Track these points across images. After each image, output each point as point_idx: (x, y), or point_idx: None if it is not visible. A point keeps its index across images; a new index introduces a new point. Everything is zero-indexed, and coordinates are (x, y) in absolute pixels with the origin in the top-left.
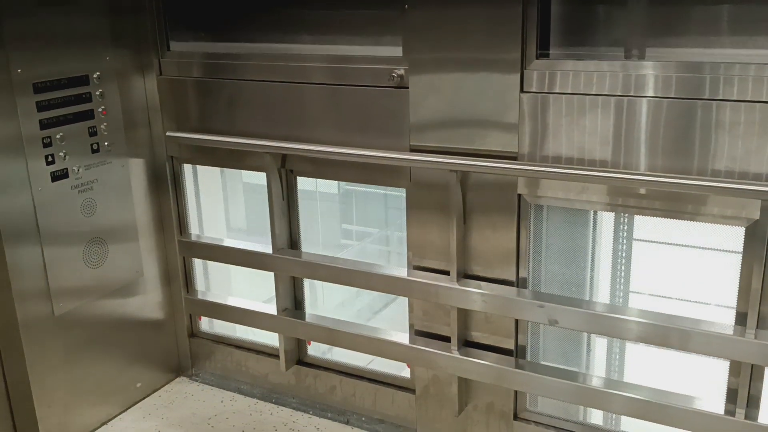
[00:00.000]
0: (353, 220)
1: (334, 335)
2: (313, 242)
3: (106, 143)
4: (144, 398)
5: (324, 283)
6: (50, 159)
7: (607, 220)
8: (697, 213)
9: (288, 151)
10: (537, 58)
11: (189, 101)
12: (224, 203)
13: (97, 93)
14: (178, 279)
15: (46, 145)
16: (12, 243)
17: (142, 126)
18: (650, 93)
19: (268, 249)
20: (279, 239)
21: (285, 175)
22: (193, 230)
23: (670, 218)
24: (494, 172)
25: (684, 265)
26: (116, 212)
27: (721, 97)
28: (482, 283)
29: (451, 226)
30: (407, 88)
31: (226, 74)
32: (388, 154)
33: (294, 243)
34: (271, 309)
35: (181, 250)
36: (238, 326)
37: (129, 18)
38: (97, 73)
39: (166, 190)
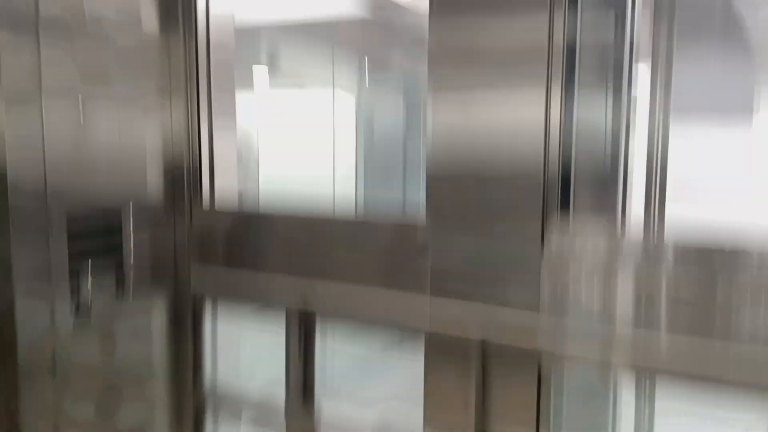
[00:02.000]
0: None
1: None
2: None
3: (132, 277)
4: None
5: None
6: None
7: (628, 381)
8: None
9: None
10: (557, 226)
11: (217, 236)
12: None
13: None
14: (189, 427)
15: (72, 277)
16: (26, 379)
17: (168, 263)
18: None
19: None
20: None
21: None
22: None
23: (696, 381)
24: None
25: None
26: (134, 354)
27: None
28: None
29: (470, 377)
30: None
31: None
32: (407, 297)
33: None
34: None
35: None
36: None
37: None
38: (128, 208)
39: (185, 331)
